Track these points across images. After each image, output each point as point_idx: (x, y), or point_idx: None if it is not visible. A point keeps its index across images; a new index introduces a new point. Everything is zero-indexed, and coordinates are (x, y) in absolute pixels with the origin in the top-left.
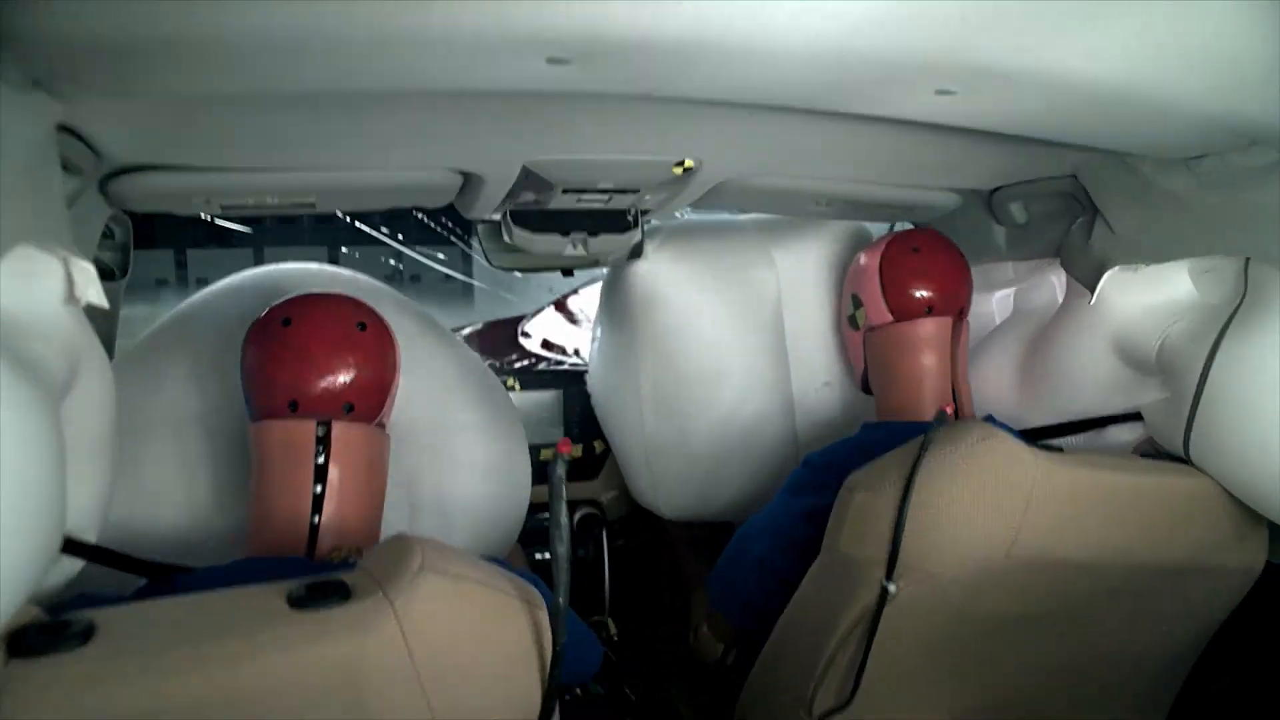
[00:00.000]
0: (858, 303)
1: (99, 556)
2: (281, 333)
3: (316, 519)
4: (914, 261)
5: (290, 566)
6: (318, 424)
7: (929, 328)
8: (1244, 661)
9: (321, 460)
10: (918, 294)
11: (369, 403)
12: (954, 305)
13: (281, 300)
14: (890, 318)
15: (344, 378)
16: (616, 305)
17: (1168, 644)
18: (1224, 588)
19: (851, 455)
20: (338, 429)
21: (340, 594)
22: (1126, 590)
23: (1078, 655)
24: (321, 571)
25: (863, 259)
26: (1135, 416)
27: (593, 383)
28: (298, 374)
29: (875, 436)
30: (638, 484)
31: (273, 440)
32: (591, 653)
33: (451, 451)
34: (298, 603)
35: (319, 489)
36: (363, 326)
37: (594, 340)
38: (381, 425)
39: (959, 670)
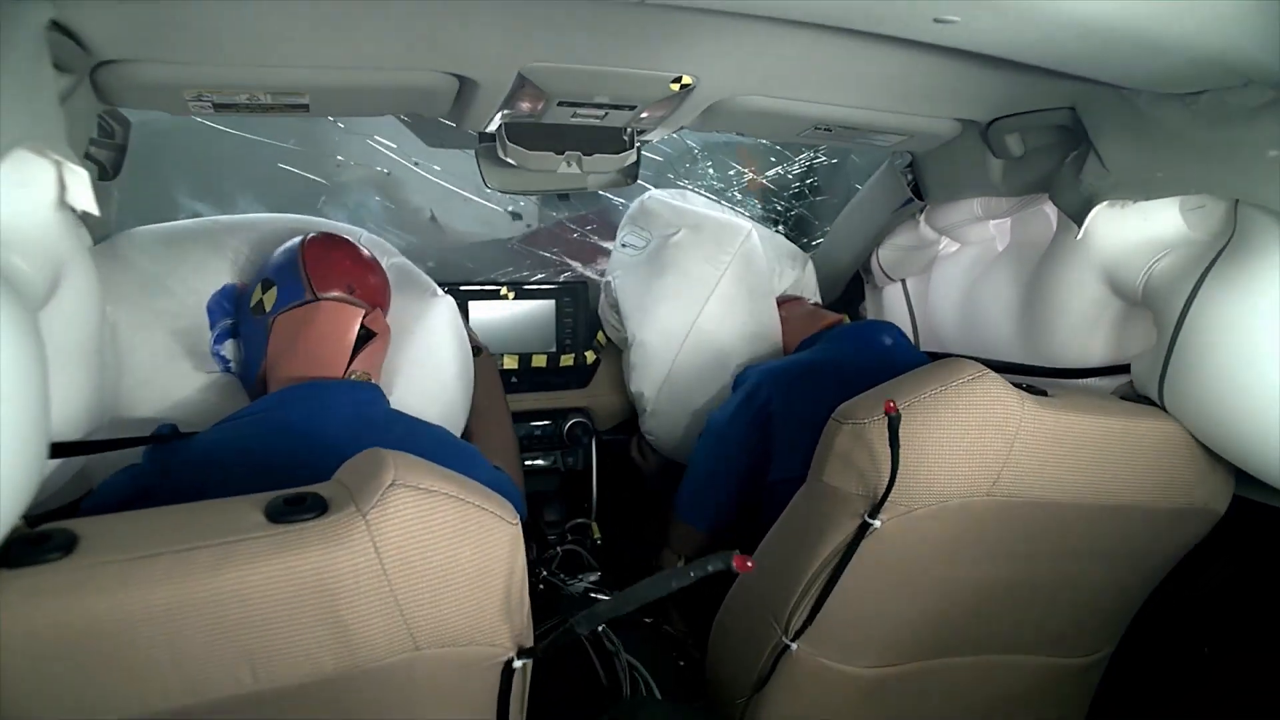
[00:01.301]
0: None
1: (91, 448)
2: (343, 243)
3: (351, 361)
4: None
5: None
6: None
7: None
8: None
9: (361, 332)
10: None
11: (384, 308)
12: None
13: (327, 230)
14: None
15: (376, 283)
16: (709, 246)
17: (1126, 579)
18: (1186, 530)
19: (777, 372)
20: (374, 314)
21: (318, 508)
22: (1094, 528)
23: (1039, 587)
24: (350, 387)
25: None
26: (1121, 370)
27: (626, 290)
28: (358, 269)
29: (800, 360)
30: (640, 401)
31: (328, 312)
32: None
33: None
34: (275, 516)
35: (358, 345)
36: (374, 260)
37: (648, 250)
38: None
39: (925, 597)
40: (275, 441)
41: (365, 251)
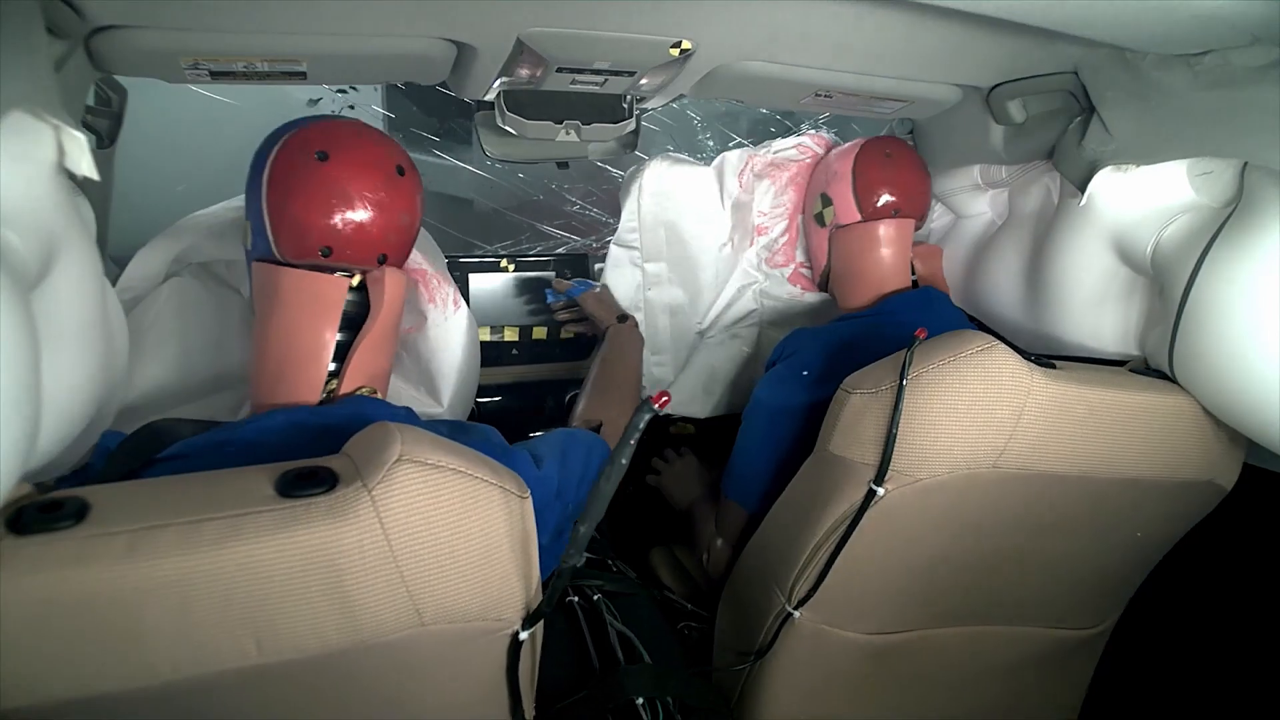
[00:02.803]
0: (826, 201)
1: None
2: (317, 169)
3: (337, 366)
4: (886, 166)
5: (303, 417)
6: (352, 276)
7: (895, 229)
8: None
9: (352, 311)
10: (887, 197)
11: (402, 251)
12: (917, 209)
13: (311, 126)
14: (859, 217)
15: (383, 225)
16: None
17: (1131, 552)
18: (1192, 503)
19: (829, 343)
20: (371, 279)
21: (328, 481)
22: (1101, 501)
23: (1045, 559)
24: (335, 415)
25: (834, 162)
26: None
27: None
28: (337, 218)
29: (849, 328)
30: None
31: (299, 289)
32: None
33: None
34: (284, 489)
35: (344, 337)
36: (400, 171)
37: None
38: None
39: (930, 567)
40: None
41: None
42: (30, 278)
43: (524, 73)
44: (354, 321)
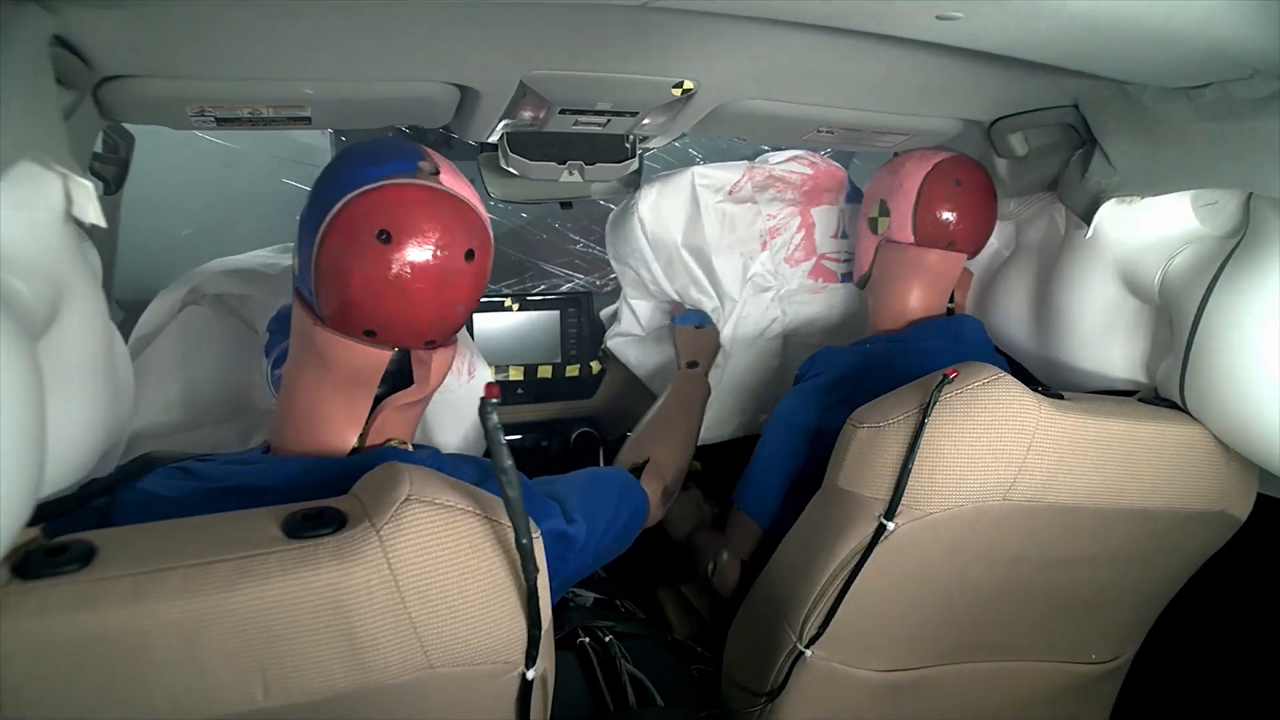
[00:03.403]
0: (884, 210)
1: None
2: (377, 251)
3: (368, 425)
4: (954, 196)
5: (327, 466)
6: (394, 350)
7: (944, 261)
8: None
9: (393, 369)
10: (946, 229)
11: (452, 335)
12: (974, 245)
13: (379, 190)
14: (912, 239)
15: (439, 317)
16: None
17: (1145, 584)
18: (1206, 534)
19: (855, 365)
20: (415, 359)
21: (335, 522)
22: (1113, 533)
23: (1057, 592)
24: (360, 467)
25: (903, 171)
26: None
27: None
28: (387, 310)
29: (876, 352)
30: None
31: (337, 355)
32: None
33: None
34: (291, 531)
35: (381, 391)
36: (470, 256)
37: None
38: None
39: (941, 602)
40: None
41: None
42: (38, 325)
43: (527, 114)
44: (392, 379)
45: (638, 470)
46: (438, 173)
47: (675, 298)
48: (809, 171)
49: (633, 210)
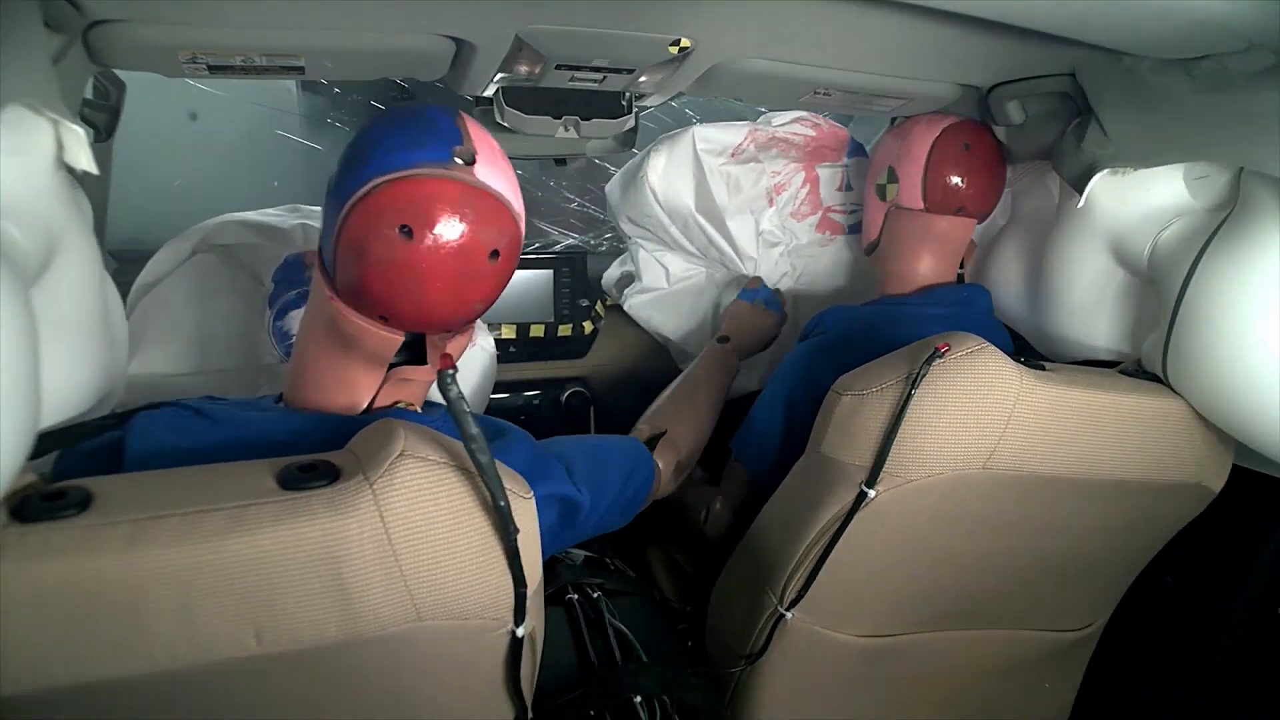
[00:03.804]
0: (893, 176)
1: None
2: (398, 245)
3: (380, 388)
4: (963, 161)
5: (335, 423)
6: (407, 334)
7: (954, 227)
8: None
9: (404, 351)
10: (956, 194)
11: (469, 322)
12: (984, 210)
13: (404, 181)
14: (921, 206)
15: (455, 312)
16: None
17: (1119, 554)
18: (1181, 506)
19: (860, 325)
20: (430, 341)
21: (329, 475)
22: (1090, 502)
23: (1033, 561)
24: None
25: (910, 136)
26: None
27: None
28: (402, 302)
29: (883, 313)
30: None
31: (349, 333)
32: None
33: None
34: (286, 482)
35: (396, 359)
36: (495, 255)
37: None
38: None
39: (920, 569)
40: None
41: None
42: (31, 271)
43: (523, 69)
44: (408, 349)
45: (654, 441)
46: (474, 161)
47: (698, 254)
48: (812, 133)
49: (643, 180)
